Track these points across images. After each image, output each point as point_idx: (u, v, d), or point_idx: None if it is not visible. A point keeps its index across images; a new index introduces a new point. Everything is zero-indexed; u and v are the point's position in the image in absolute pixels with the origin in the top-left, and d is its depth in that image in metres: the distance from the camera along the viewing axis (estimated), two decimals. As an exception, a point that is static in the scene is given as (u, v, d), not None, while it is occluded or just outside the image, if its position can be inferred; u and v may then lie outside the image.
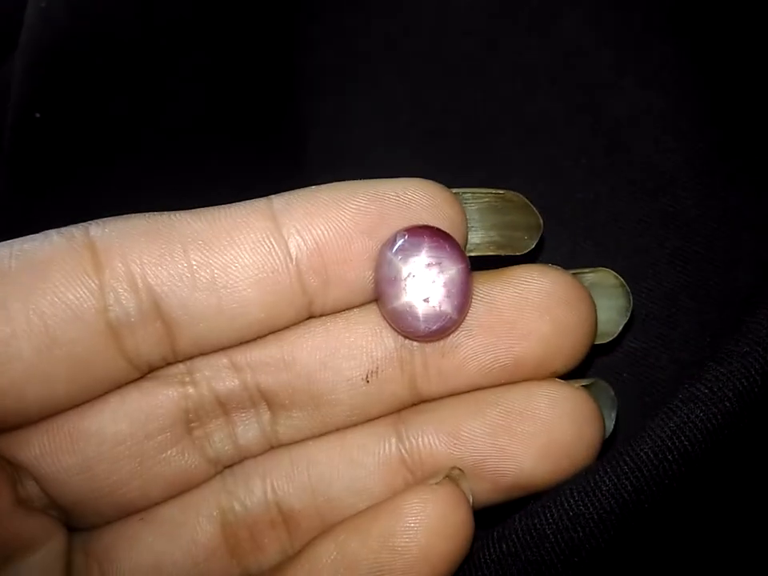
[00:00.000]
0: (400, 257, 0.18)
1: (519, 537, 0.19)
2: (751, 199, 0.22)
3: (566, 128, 0.24)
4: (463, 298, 0.18)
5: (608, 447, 0.19)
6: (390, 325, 0.19)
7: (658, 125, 0.23)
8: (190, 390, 0.19)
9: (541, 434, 0.18)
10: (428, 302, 0.18)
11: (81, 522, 0.19)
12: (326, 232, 0.18)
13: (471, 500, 0.18)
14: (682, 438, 0.18)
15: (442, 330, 0.18)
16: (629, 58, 0.24)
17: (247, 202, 0.18)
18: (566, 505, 0.19)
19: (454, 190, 0.19)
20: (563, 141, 0.24)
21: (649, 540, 0.19)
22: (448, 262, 0.18)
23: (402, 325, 0.18)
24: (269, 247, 0.17)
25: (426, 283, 0.18)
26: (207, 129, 0.25)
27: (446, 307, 0.18)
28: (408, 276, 0.18)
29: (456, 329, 0.19)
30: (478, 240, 0.20)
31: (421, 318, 0.18)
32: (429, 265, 0.18)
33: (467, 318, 0.19)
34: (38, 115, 0.26)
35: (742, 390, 0.18)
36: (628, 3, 0.24)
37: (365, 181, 0.18)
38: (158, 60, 0.27)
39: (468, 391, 0.19)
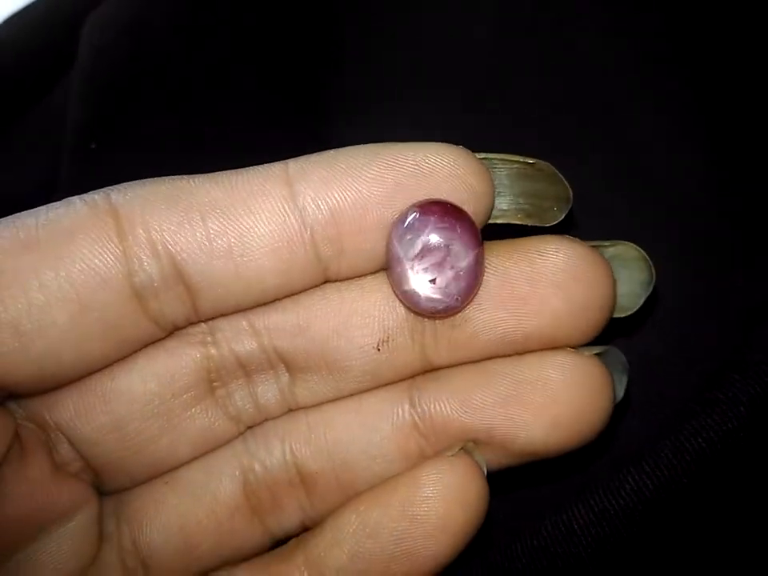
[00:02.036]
0: (409, 236, 0.18)
1: (549, 532, 0.20)
2: (766, 215, 0.23)
3: (586, 149, 0.24)
4: (471, 280, 0.18)
5: (623, 412, 0.19)
6: (399, 300, 0.19)
7: (672, 146, 0.24)
8: (212, 350, 0.19)
9: (551, 403, 0.18)
10: (435, 283, 0.18)
11: (111, 485, 0.20)
12: (341, 202, 0.17)
13: (485, 471, 0.18)
14: (700, 439, 0.19)
15: (447, 310, 0.18)
16: (642, 83, 0.25)
17: (264, 166, 0.18)
18: (591, 502, 0.19)
19: (482, 155, 0.18)
20: (583, 160, 0.24)
21: (669, 535, 0.20)
22: (458, 244, 0.18)
23: (409, 303, 0.18)
24: (284, 216, 0.17)
25: (433, 264, 0.18)
26: (250, 152, 0.26)
27: (453, 289, 0.18)
28: (416, 257, 0.18)
29: (463, 308, 0.18)
30: (506, 206, 0.19)
31: (425, 299, 0.18)
32: (438, 246, 0.18)
33: (480, 290, 0.18)
34: (93, 146, 0.27)
35: (755, 394, 0.19)
36: (639, 31, 0.25)
37: (386, 144, 0.18)
38: (204, 87, 0.28)
39: (480, 360, 0.19)
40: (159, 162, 0.27)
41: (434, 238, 0.18)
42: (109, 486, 0.20)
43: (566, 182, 0.19)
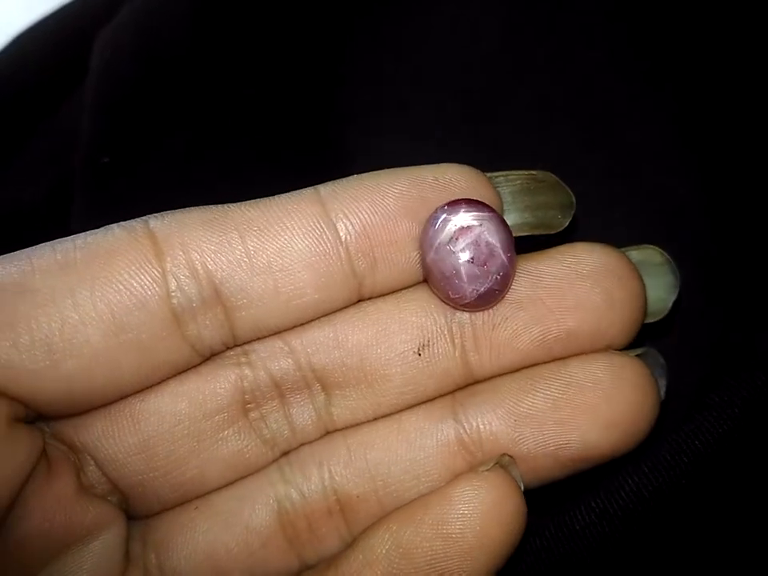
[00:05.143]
0: (441, 224, 0.18)
1: (552, 533, 0.20)
2: (759, 227, 0.23)
3: (584, 158, 0.25)
4: (508, 256, 0.18)
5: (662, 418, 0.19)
6: (437, 294, 0.19)
7: (669, 157, 0.24)
8: (246, 371, 0.19)
9: (603, 404, 0.18)
10: (473, 262, 0.18)
11: (139, 508, 0.19)
12: (371, 215, 0.18)
13: (522, 486, 0.18)
14: (696, 441, 0.20)
15: (490, 292, 0.18)
16: (640, 92, 0.25)
17: (295, 191, 0.18)
18: (592, 504, 0.20)
19: (488, 175, 0.19)
20: (582, 170, 0.24)
21: (669, 535, 0.21)
22: (489, 222, 0.18)
23: (450, 289, 0.18)
24: (320, 231, 0.18)
25: (469, 244, 0.18)
26: (255, 164, 0.27)
27: (492, 266, 0.18)
28: (451, 240, 0.18)
29: (503, 295, 0.18)
30: (512, 222, 0.19)
31: (467, 280, 0.18)
32: (470, 227, 0.18)
33: (515, 291, 0.19)
34: (106, 160, 0.27)
35: (748, 397, 0.20)
36: (639, 45, 0.25)
37: (404, 168, 0.19)
38: (216, 100, 0.28)
39: (522, 368, 0.19)
40: (171, 177, 0.27)
41: (466, 219, 0.18)
42: (137, 508, 0.19)
43: (567, 189, 0.19)
